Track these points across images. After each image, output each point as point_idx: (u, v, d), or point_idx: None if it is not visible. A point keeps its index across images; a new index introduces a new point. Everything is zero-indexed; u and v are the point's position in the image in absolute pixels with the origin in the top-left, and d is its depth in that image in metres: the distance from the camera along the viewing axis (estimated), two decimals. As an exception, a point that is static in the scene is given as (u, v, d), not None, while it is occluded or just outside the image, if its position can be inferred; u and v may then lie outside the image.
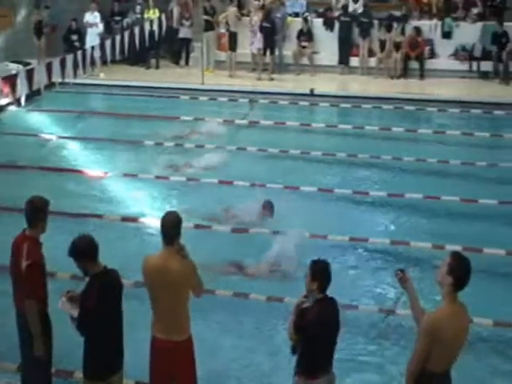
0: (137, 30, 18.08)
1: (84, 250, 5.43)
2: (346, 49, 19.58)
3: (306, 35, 19.54)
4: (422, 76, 18.95)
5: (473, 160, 12.78)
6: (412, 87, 18.31)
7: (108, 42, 17.13)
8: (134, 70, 20.07)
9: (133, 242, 9.77)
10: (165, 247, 5.63)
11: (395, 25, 19.26)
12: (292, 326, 5.44)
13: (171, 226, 5.60)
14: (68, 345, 6.33)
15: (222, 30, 19.95)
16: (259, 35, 19.03)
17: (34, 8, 19.90)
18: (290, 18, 20.02)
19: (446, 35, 19.31)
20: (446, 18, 19.41)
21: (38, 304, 5.82)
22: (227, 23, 19.51)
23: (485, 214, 10.69)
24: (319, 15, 20.32)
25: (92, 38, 18.86)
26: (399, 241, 9.76)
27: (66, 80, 16.48)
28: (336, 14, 19.93)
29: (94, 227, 9.27)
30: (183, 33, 20.00)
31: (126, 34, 17.87)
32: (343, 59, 19.60)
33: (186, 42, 20.28)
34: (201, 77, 18.28)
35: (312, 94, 17.38)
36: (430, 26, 19.44)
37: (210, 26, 19.58)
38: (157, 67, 20.29)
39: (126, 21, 20.26)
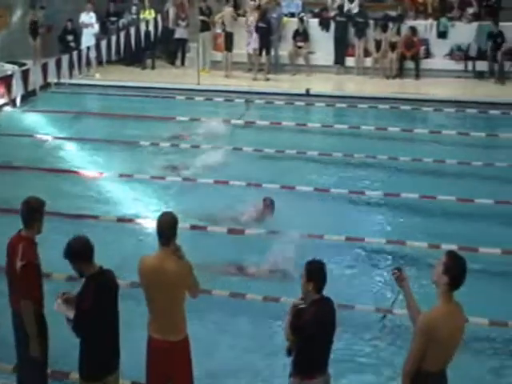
0: (132, 31, 18.01)
1: (79, 252, 5.42)
2: (342, 49, 19.57)
3: (301, 35, 19.54)
4: (417, 76, 18.96)
5: (469, 160, 12.79)
6: (408, 87, 18.31)
7: (104, 43, 17.08)
8: (129, 70, 20.04)
9: (129, 243, 9.76)
10: (161, 248, 5.63)
11: (391, 25, 19.27)
12: (289, 326, 5.44)
13: (167, 226, 5.60)
14: (64, 346, 6.33)
15: (218, 31, 19.93)
16: (255, 35, 19.01)
17: (30, 8, 19.85)
18: (285, 18, 20.02)
19: (442, 35, 19.33)
20: (441, 18, 19.41)
21: (33, 305, 5.82)
22: (223, 23, 19.48)
23: (481, 214, 10.71)
24: (315, 15, 20.32)
25: (88, 39, 18.85)
26: (395, 240, 9.78)
27: (62, 80, 16.41)
28: (332, 14, 19.91)
29: (90, 228, 9.25)
30: (179, 33, 19.97)
31: (122, 34, 17.80)
32: (339, 59, 19.60)
33: (182, 42, 20.25)
34: (197, 77, 18.28)
35: (308, 94, 17.38)
36: (425, 26, 19.45)
37: (205, 27, 19.59)
38: (152, 67, 20.28)
39: (122, 21, 20.25)
